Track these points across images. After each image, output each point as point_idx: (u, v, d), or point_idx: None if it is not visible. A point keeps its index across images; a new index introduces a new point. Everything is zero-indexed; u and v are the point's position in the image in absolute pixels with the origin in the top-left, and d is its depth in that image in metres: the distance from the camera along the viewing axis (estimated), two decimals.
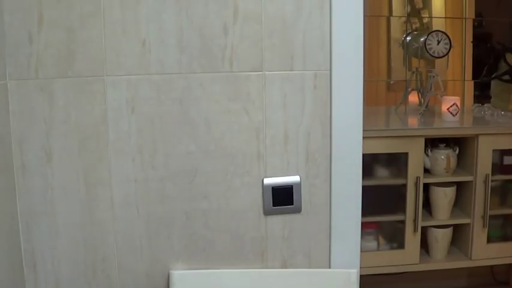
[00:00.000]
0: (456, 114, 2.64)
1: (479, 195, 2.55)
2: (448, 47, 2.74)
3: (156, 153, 1.26)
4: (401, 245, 2.59)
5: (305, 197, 1.32)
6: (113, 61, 1.21)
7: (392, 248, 2.64)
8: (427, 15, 3.15)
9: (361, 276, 1.35)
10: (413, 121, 2.77)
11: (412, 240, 2.56)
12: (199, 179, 1.28)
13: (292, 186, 1.31)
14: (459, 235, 2.67)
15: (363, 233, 2.07)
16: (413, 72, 2.93)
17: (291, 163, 1.30)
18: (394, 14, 3.12)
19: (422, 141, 2.51)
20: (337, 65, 1.27)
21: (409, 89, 2.94)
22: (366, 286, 1.46)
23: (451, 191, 2.59)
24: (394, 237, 2.64)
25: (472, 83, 3.17)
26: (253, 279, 1.32)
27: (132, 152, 1.25)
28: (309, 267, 1.35)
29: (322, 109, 1.29)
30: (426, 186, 2.59)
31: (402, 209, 2.55)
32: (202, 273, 1.31)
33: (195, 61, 1.24)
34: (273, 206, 1.31)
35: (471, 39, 3.13)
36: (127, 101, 1.23)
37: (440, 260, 2.65)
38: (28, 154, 1.22)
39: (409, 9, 3.08)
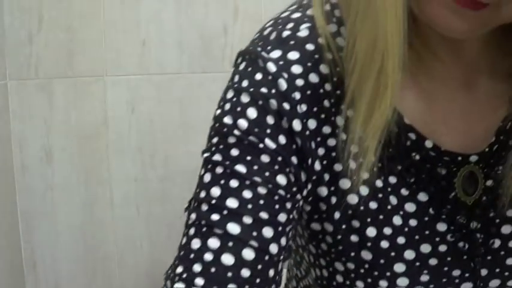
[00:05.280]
0: None
1: None
2: None
3: (156, 153, 1.26)
4: None
5: None
6: (113, 61, 1.21)
7: None
8: None
9: None
10: None
11: None
12: None
13: None
14: None
15: None
16: None
17: None
18: None
19: None
20: None
21: None
22: None
23: None
24: None
25: None
26: None
27: (132, 152, 1.25)
28: None
29: None
30: None
31: None
32: None
33: (195, 61, 1.24)
34: None
35: None
36: (127, 101, 1.23)
37: None
38: (28, 154, 1.22)
39: None
